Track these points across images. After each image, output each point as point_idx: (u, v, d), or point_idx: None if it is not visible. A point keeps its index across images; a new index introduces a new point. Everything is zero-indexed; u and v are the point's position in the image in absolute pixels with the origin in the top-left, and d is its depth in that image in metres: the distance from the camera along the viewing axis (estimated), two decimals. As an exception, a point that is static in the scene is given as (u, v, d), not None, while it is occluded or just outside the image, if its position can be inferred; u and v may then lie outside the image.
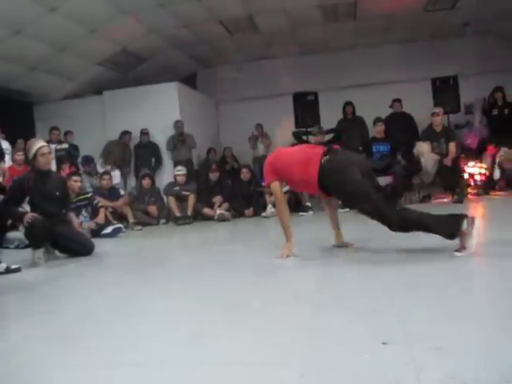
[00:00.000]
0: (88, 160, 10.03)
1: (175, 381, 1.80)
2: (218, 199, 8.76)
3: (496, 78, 10.27)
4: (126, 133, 10.47)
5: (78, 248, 5.31)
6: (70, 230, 5.42)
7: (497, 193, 8.64)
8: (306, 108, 10.89)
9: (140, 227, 8.20)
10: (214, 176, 9.06)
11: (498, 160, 8.95)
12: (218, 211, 8.43)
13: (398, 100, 9.99)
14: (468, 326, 2.09)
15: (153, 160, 10.48)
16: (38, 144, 5.30)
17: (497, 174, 8.88)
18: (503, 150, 9.07)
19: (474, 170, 8.78)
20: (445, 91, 10.35)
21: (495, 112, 9.88)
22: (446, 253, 3.59)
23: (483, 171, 8.75)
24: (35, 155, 5.19)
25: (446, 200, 8.29)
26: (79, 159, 10.22)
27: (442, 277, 3.01)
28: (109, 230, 7.17)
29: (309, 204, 8.19)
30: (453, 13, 10.46)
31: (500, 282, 2.91)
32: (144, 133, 10.47)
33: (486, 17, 10.60)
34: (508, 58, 10.89)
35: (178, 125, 10.29)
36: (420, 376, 1.63)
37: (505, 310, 2.30)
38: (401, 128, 9.47)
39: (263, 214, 8.32)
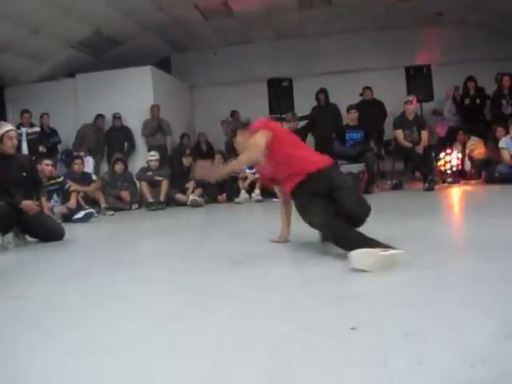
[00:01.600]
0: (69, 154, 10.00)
1: (147, 366, 1.79)
2: (191, 184, 8.72)
3: (469, 67, 10.40)
4: (99, 116, 10.37)
5: (47, 233, 5.23)
6: (40, 215, 5.33)
7: (467, 181, 8.78)
8: (280, 94, 10.91)
9: (112, 212, 8.13)
10: (187, 161, 9.01)
11: (467, 150, 9.09)
12: (191, 197, 8.40)
13: (368, 87, 10.09)
14: (436, 312, 2.11)
15: (126, 144, 10.40)
16: (6, 127, 5.20)
17: (467, 165, 9.02)
18: (472, 139, 9.21)
19: (446, 158, 8.89)
20: (418, 80, 10.46)
21: (467, 101, 10.02)
22: (419, 241, 3.64)
23: (454, 160, 8.87)
24: (1, 138, 5.10)
25: (417, 187, 8.37)
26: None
27: (414, 263, 3.04)
28: (80, 214, 7.09)
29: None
30: (427, 2, 10.53)
31: (469, 267, 2.96)
32: (116, 117, 10.36)
33: (460, 6, 10.69)
34: (481, 47, 11.01)
35: (154, 109, 10.21)
36: (387, 360, 1.65)
37: (472, 296, 2.34)
38: (372, 115, 9.54)
39: (236, 199, 8.32)
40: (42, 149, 9.40)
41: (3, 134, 5.09)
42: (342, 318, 2.11)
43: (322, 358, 1.74)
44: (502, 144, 8.23)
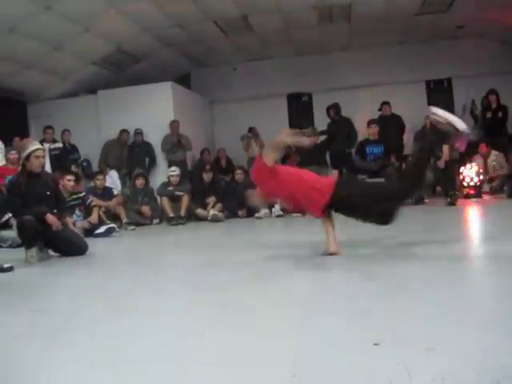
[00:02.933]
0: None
1: (164, 380, 1.79)
2: (211, 199, 8.76)
3: (490, 80, 10.33)
4: (123, 131, 10.46)
5: (71, 248, 5.28)
6: (64, 229, 5.38)
7: (490, 195, 8.69)
8: (300, 109, 10.94)
9: (133, 227, 8.18)
10: (207, 177, 9.05)
11: (490, 167, 8.99)
12: (212, 212, 8.43)
13: (386, 102, 10.04)
14: (459, 327, 2.09)
15: (147, 160, 10.48)
16: (34, 146, 5.28)
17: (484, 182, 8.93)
18: (493, 154, 9.12)
19: (468, 172, 8.80)
20: (439, 93, 10.42)
21: (489, 115, 9.93)
22: (436, 255, 3.61)
23: (475, 175, 8.78)
24: (29, 156, 5.17)
25: (439, 202, 8.30)
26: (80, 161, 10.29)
27: (433, 278, 3.01)
28: (102, 229, 7.15)
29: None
30: (447, 15, 10.49)
31: (492, 283, 2.92)
32: (138, 132, 10.45)
33: (481, 20, 10.64)
34: (502, 60, 10.94)
35: (173, 125, 10.28)
36: (411, 376, 1.63)
37: (496, 312, 2.32)
38: (392, 130, 9.50)
39: (256, 214, 8.32)
40: (74, 168, 9.49)
41: (31, 153, 5.17)
42: (364, 334, 2.09)
43: (346, 374, 1.72)
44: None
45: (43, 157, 5.43)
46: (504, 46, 11.11)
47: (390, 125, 9.68)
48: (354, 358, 1.85)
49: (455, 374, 1.63)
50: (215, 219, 8.28)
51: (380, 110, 10.07)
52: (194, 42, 11.19)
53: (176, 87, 11.08)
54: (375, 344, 1.94)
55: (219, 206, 8.67)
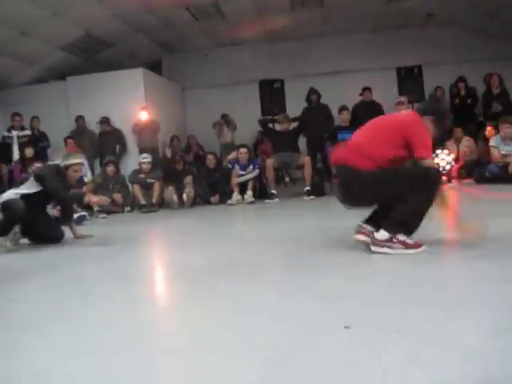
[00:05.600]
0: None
1: (138, 367, 1.79)
2: (188, 179, 8.64)
3: (459, 68, 10.45)
4: (79, 118, 10.36)
5: (48, 236, 5.28)
6: (44, 217, 5.40)
7: (457, 181, 8.77)
8: (272, 95, 10.91)
9: (105, 215, 8.09)
10: (178, 166, 8.99)
11: (461, 152, 9.08)
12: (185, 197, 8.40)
13: (368, 88, 10.00)
14: (428, 311, 2.13)
15: (117, 147, 10.37)
16: (75, 160, 5.31)
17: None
18: (465, 139, 9.22)
19: (442, 157, 8.83)
20: (409, 80, 10.50)
21: (457, 101, 10.06)
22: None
23: (449, 159, 8.84)
24: (69, 167, 5.21)
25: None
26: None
27: (405, 263, 3.06)
28: (73, 217, 7.05)
29: (274, 191, 8.20)
30: (418, 3, 10.56)
31: (460, 268, 2.99)
32: (103, 121, 10.31)
33: (451, 8, 10.74)
34: (471, 48, 11.08)
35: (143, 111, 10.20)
36: (380, 358, 1.67)
37: (464, 296, 2.37)
38: (369, 116, 9.49)
39: (229, 201, 8.30)
40: (29, 152, 9.28)
41: (70, 166, 5.22)
42: (336, 317, 2.13)
43: (317, 357, 1.75)
44: (492, 143, 8.25)
45: (81, 170, 5.54)
46: (473, 34, 11.24)
47: (370, 111, 9.71)
48: (324, 341, 1.88)
49: (423, 355, 1.67)
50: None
51: (361, 94, 10.05)
52: (166, 28, 11.09)
53: (147, 73, 10.97)
54: (346, 327, 1.98)
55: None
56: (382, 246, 3.30)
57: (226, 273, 3.27)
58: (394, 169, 3.39)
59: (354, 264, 3.20)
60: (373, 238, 3.36)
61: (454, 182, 8.58)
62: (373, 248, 3.34)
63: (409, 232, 3.33)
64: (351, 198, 3.62)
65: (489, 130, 8.75)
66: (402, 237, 3.29)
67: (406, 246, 3.29)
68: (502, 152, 8.07)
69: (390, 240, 3.29)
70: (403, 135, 3.36)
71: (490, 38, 11.11)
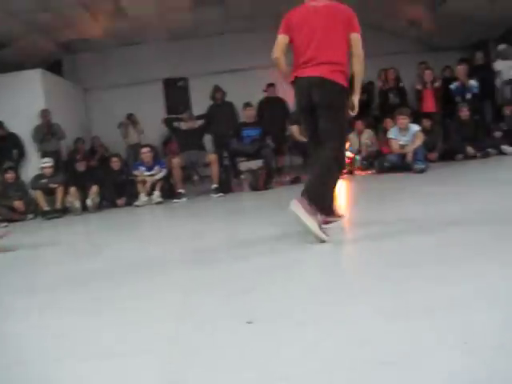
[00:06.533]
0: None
1: (37, 377, 1.74)
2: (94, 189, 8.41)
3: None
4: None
5: None
6: None
7: (360, 172, 9.07)
8: (176, 94, 10.85)
9: (5, 224, 7.75)
10: (81, 166, 8.75)
11: (364, 145, 9.38)
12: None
13: (272, 84, 10.15)
14: (329, 301, 2.18)
15: (14, 152, 9.91)
16: None
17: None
18: (366, 132, 9.54)
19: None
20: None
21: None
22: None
23: (350, 153, 9.10)
24: None
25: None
26: None
27: (311, 256, 3.14)
28: (-31, 228, 6.73)
29: (182, 191, 8.15)
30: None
31: (365, 259, 3.06)
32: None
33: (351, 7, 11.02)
34: (370, 43, 11.40)
35: (44, 114, 9.82)
36: (280, 350, 1.70)
37: (361, 286, 2.42)
38: (274, 112, 9.67)
39: (135, 203, 8.17)
40: None
41: None
42: (239, 313, 2.14)
43: (218, 355, 1.75)
44: (390, 135, 8.57)
45: None
46: (367, 30, 11.57)
47: (275, 106, 9.84)
48: (226, 338, 1.90)
49: (324, 345, 1.71)
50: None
51: (265, 90, 10.14)
52: (65, 27, 10.71)
53: (46, 75, 10.59)
54: (248, 322, 1.99)
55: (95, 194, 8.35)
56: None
57: (127, 274, 3.23)
58: None
59: (258, 256, 3.26)
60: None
61: (357, 173, 8.89)
62: None
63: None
64: None
65: (387, 121, 9.10)
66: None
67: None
68: (400, 143, 8.41)
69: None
70: None
71: (390, 34, 11.54)
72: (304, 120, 3.92)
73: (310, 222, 3.26)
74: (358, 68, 3.72)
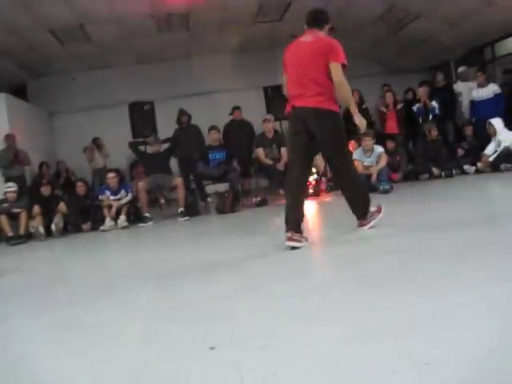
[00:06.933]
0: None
1: None
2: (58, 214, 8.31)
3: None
4: None
5: None
6: None
7: (325, 194, 9.14)
8: (142, 117, 10.83)
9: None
10: (46, 190, 8.64)
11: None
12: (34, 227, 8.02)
13: (237, 107, 10.20)
14: (293, 325, 2.18)
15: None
16: None
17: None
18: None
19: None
20: (276, 98, 10.85)
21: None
22: (280, 254, 3.79)
23: (315, 175, 9.15)
24: None
25: (281, 203, 8.53)
26: None
27: (274, 276, 3.19)
28: None
29: (148, 215, 8.10)
30: (281, 24, 10.97)
31: (329, 281, 3.07)
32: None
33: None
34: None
35: (9, 138, 9.69)
36: (243, 376, 1.70)
37: (330, 309, 2.42)
38: (240, 135, 9.72)
39: (101, 227, 8.09)
40: None
41: None
42: (203, 339, 2.13)
43: (182, 382, 1.76)
44: (355, 156, 8.67)
45: None
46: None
47: (240, 130, 9.89)
48: (188, 365, 1.89)
49: (285, 369, 1.72)
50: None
51: (231, 114, 10.20)
52: (29, 51, 10.65)
53: (10, 99, 10.47)
54: (211, 348, 1.99)
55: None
56: None
57: (89, 301, 3.21)
58: None
59: (224, 280, 3.27)
60: None
61: (323, 196, 8.95)
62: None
63: None
64: None
65: (351, 143, 9.20)
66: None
67: None
68: (365, 164, 8.52)
69: None
70: None
71: (353, 57, 11.71)
72: (292, 143, 4.31)
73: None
74: (341, 94, 4.16)
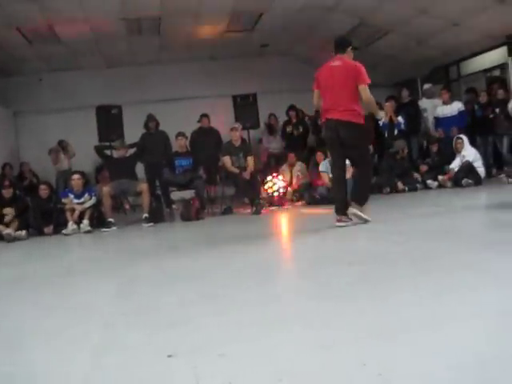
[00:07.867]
0: None
1: None
2: (8, 211, 8.04)
3: (291, 96, 11.04)
4: None
5: None
6: None
7: (290, 203, 9.21)
8: (109, 121, 10.72)
9: None
10: (7, 193, 8.46)
11: (295, 177, 9.55)
12: (7, 231, 7.76)
13: (205, 115, 10.16)
14: (251, 334, 2.19)
15: None
16: None
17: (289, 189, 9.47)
18: (298, 164, 9.73)
19: (276, 181, 9.19)
20: (245, 107, 10.91)
21: (289, 129, 10.63)
22: (243, 262, 3.79)
23: (281, 185, 9.22)
24: None
25: (246, 212, 8.57)
26: None
27: (236, 284, 3.18)
28: None
29: (111, 220, 8.00)
30: (253, 34, 11.04)
31: (290, 289, 3.11)
32: None
33: (283, 39, 11.37)
34: (302, 78, 11.73)
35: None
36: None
37: (290, 317, 2.44)
38: (207, 142, 9.71)
39: (64, 231, 7.95)
40: None
41: None
42: (162, 346, 2.11)
43: None
44: (321, 168, 8.78)
45: None
46: (304, 65, 11.91)
47: (207, 137, 9.87)
48: (145, 372, 1.86)
49: (242, 377, 1.71)
50: (10, 239, 7.69)
51: (199, 121, 10.16)
52: (-4, 49, 10.48)
53: (-27, 97, 10.29)
54: (169, 356, 1.97)
55: (16, 224, 8.00)
56: None
57: (43, 305, 3.16)
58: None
59: (183, 287, 3.26)
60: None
61: (287, 205, 9.01)
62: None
63: None
64: None
65: (319, 155, 9.29)
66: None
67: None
68: (330, 176, 8.59)
69: None
70: None
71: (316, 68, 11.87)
72: (331, 151, 5.80)
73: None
74: (369, 108, 5.60)
